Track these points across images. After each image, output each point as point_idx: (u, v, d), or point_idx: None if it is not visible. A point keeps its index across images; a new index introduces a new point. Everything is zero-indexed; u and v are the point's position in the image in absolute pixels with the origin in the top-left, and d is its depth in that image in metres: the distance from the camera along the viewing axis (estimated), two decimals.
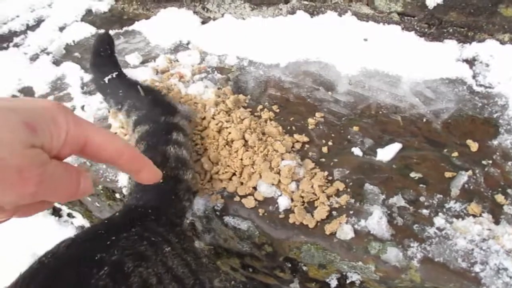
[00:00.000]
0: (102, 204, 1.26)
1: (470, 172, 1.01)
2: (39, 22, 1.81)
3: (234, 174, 1.07)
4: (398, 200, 0.97)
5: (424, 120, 1.16)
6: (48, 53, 1.62)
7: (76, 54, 1.61)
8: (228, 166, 1.08)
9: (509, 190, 0.96)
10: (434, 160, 1.06)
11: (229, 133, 1.13)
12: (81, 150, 0.45)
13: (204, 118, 1.20)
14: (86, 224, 1.52)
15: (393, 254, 0.88)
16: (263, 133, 1.15)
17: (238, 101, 1.27)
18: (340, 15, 1.44)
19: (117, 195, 1.18)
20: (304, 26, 1.45)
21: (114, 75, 1.11)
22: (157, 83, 1.30)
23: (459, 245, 0.87)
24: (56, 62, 1.58)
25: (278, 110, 1.25)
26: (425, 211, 0.95)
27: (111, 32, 1.67)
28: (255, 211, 1.01)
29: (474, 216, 0.92)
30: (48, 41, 1.67)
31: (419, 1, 1.32)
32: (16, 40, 1.73)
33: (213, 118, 1.18)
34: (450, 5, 1.28)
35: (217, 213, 1.04)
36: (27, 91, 1.49)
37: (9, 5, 1.87)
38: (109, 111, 1.32)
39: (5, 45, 1.72)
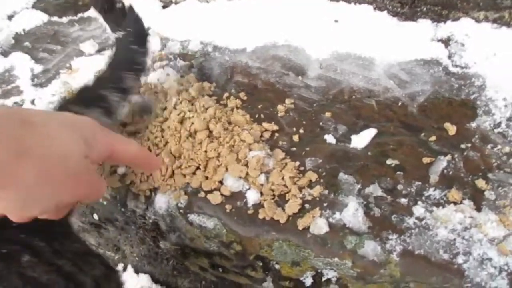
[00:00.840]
0: None
1: (449, 157, 0.95)
2: None
3: (198, 168, 0.98)
4: (374, 190, 0.91)
5: (400, 103, 1.10)
6: None
7: (26, 43, 1.48)
8: (192, 159, 0.99)
9: (489, 175, 0.91)
10: (411, 146, 0.99)
11: (192, 123, 1.04)
12: (108, 157, 0.56)
13: (165, 109, 1.11)
14: None
15: (370, 248, 0.82)
16: (229, 122, 1.07)
17: (203, 89, 1.18)
18: None
19: None
20: (272, 7, 1.37)
21: None
22: None
23: (440, 236, 0.81)
24: (4, 53, 1.45)
25: (245, 98, 1.17)
26: (403, 200, 0.89)
27: (65, 19, 1.55)
28: (221, 207, 0.93)
29: (455, 203, 0.86)
30: None
31: None
32: None
33: (175, 108, 1.09)
34: None
35: (181, 211, 0.95)
36: None
37: None
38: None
39: None
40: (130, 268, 1.29)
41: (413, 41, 1.23)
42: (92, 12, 1.55)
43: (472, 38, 1.21)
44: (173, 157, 1.00)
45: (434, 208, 0.86)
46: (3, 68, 1.39)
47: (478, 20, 1.23)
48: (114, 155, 0.56)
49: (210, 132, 1.02)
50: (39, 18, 1.56)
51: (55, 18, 1.56)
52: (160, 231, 1.06)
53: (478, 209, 0.85)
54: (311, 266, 0.88)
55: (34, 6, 1.63)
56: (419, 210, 0.86)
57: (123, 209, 1.03)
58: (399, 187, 0.91)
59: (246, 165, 0.96)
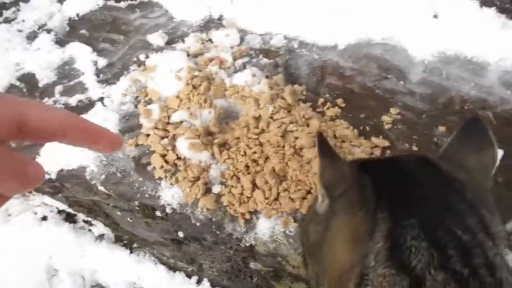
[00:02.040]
0: (136, 220, 1.06)
1: None
2: None
3: (309, 192, 0.87)
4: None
5: None
6: (48, 31, 1.35)
7: (83, 31, 1.35)
8: (300, 181, 0.88)
9: None
10: None
11: (297, 138, 0.93)
12: (19, 132, 0.37)
13: (259, 117, 0.99)
14: (108, 233, 1.32)
15: None
16: (335, 136, 0.96)
17: (295, 92, 1.06)
18: None
19: (158, 213, 0.97)
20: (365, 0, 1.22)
21: None
22: (196, 72, 1.07)
23: None
24: (60, 42, 1.32)
25: (343, 105, 1.05)
26: None
27: (123, 3, 1.40)
28: None
29: None
30: (47, 15, 1.39)
31: None
32: (6, 14, 1.44)
33: (272, 118, 0.97)
34: None
35: (291, 240, 0.86)
36: (29, 79, 1.24)
37: None
38: (136, 106, 1.09)
39: None
40: (206, 282, 1.22)
41: None
42: None
43: None
44: (277, 177, 0.90)
45: None
46: (61, 60, 1.26)
47: None
48: (27, 128, 0.38)
49: None
50: (93, 1, 1.41)
51: (111, 2, 1.42)
52: (254, 253, 0.97)
53: None
54: None
55: None
56: None
57: (217, 231, 0.93)
58: None
59: None
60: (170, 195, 0.94)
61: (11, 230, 1.37)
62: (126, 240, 1.30)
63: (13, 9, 1.46)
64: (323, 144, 0.56)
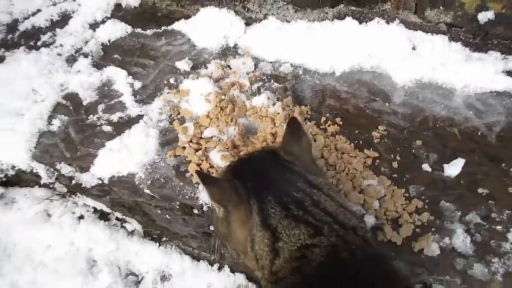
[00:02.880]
0: (174, 217, 1.29)
1: None
2: (64, 17, 1.71)
3: None
4: (473, 217, 1.08)
5: (479, 133, 1.26)
6: (85, 55, 1.56)
7: (116, 56, 1.56)
8: None
9: None
10: (496, 176, 1.16)
11: None
12: None
13: (275, 133, 1.24)
14: (139, 229, 1.54)
15: (479, 270, 0.99)
16: (336, 149, 1.21)
17: (302, 113, 1.31)
18: (388, 22, 1.48)
19: (195, 211, 1.21)
20: (353, 32, 1.48)
21: None
22: (222, 96, 1.31)
23: None
24: (97, 65, 1.53)
25: (341, 123, 1.31)
26: (498, 227, 1.06)
27: (149, 31, 1.62)
28: None
29: None
30: (82, 40, 1.60)
31: (469, 15, 1.38)
32: (44, 38, 1.65)
33: None
34: (499, 21, 1.35)
35: None
36: (73, 98, 1.45)
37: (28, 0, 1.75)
38: (171, 123, 1.32)
39: (31, 43, 1.64)
40: (226, 268, 1.45)
41: (485, 72, 1.37)
42: (175, 25, 1.63)
43: None
44: None
45: None
46: (100, 81, 1.48)
47: None
48: None
49: (326, 159, 1.16)
50: (122, 29, 1.63)
51: (138, 30, 1.64)
52: None
53: None
54: (422, 280, 1.06)
55: (113, 15, 1.70)
56: (509, 237, 1.04)
57: None
58: (493, 215, 1.08)
59: (361, 192, 1.11)
60: (206, 196, 1.18)
61: (52, 228, 1.57)
62: (155, 235, 1.52)
63: (50, 34, 1.66)
64: (203, 176, 0.85)
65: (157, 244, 1.52)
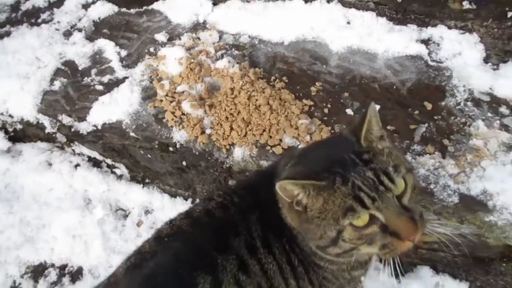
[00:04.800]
0: (154, 155, 1.62)
1: (426, 125, 1.47)
2: None
3: (264, 130, 1.47)
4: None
5: (394, 87, 1.61)
6: (79, 30, 1.87)
7: (105, 30, 1.88)
8: (259, 124, 1.47)
9: (451, 136, 1.44)
10: (402, 117, 1.51)
11: (257, 100, 1.51)
12: None
13: (233, 88, 1.57)
14: (126, 174, 1.86)
15: None
16: (281, 99, 1.55)
17: (256, 73, 1.64)
18: (328, 2, 1.82)
19: (170, 148, 1.54)
20: (300, 10, 1.82)
21: None
22: (192, 60, 1.64)
23: (421, 173, 1.35)
24: (89, 38, 1.84)
25: (287, 81, 1.64)
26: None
27: (132, 10, 1.94)
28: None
29: (430, 154, 1.39)
30: (76, 18, 1.91)
31: None
32: (43, 16, 1.95)
33: (242, 88, 1.56)
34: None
35: (253, 158, 1.45)
36: (70, 65, 1.77)
37: None
38: (151, 82, 1.64)
39: (33, 20, 1.94)
40: (198, 201, 1.78)
41: (404, 41, 1.71)
42: (155, 5, 1.94)
43: (445, 40, 1.71)
44: (246, 123, 1.48)
45: (417, 157, 1.39)
46: (93, 51, 1.79)
47: (450, 27, 1.73)
48: None
49: (270, 106, 1.50)
50: (110, 8, 1.95)
51: (123, 9, 1.95)
52: (231, 172, 1.55)
53: (444, 157, 1.38)
54: None
55: None
56: (407, 157, 1.39)
57: (209, 158, 1.51)
58: (396, 143, 1.43)
59: (297, 129, 1.45)
60: (179, 136, 1.51)
61: (53, 175, 1.88)
62: (140, 177, 1.85)
63: (48, 12, 1.97)
64: None
65: (141, 185, 1.85)
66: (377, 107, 1.53)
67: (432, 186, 1.33)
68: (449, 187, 1.32)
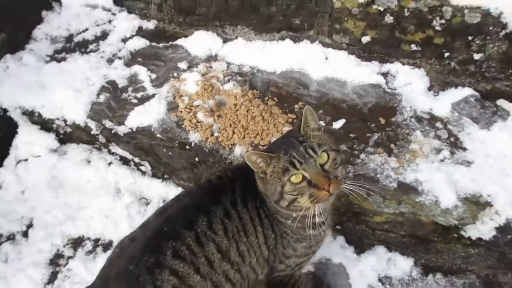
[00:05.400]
0: (174, 152, 2.11)
1: (379, 134, 1.98)
2: (104, 34, 2.59)
3: (257, 134, 1.97)
4: (343, 147, 1.92)
5: (358, 107, 2.12)
6: (119, 58, 2.42)
7: (139, 59, 2.43)
8: (254, 130, 1.98)
9: (397, 142, 1.94)
10: (362, 129, 2.02)
11: (253, 112, 2.03)
12: None
13: (236, 104, 2.09)
14: (149, 171, 2.34)
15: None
16: (271, 113, 2.07)
17: (254, 94, 2.17)
18: (312, 42, 2.36)
19: (187, 147, 2.04)
20: (289, 48, 2.37)
21: None
22: (206, 83, 2.17)
23: (371, 166, 1.84)
24: (127, 64, 2.39)
25: (277, 100, 2.16)
26: (356, 152, 1.91)
27: (160, 45, 2.50)
28: None
29: (379, 154, 1.89)
30: (117, 49, 2.47)
31: (358, 38, 2.27)
32: (91, 47, 2.52)
33: (242, 104, 2.07)
34: (374, 42, 2.24)
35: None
36: (112, 83, 2.30)
37: (79, 21, 2.63)
38: (174, 98, 2.17)
39: (83, 49, 2.50)
40: None
41: (368, 73, 2.24)
42: (178, 41, 2.50)
43: (399, 73, 2.24)
44: (244, 129, 1.99)
45: (370, 156, 1.88)
46: (129, 74, 2.33)
47: (403, 64, 2.27)
48: None
49: (263, 118, 2.01)
50: (144, 42, 2.50)
51: (154, 43, 2.51)
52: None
53: (389, 156, 1.88)
54: None
55: (137, 34, 2.58)
56: (362, 156, 1.88)
57: (215, 154, 2.01)
58: (355, 146, 1.93)
59: (282, 134, 1.95)
60: (194, 137, 2.01)
61: (91, 170, 2.37)
62: (160, 173, 2.33)
63: (95, 44, 2.53)
64: None
65: (161, 180, 2.34)
66: (344, 121, 2.05)
67: (378, 176, 1.82)
68: (390, 177, 1.81)
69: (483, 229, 1.74)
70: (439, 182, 1.77)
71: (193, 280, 1.30)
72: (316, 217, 1.38)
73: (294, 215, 1.37)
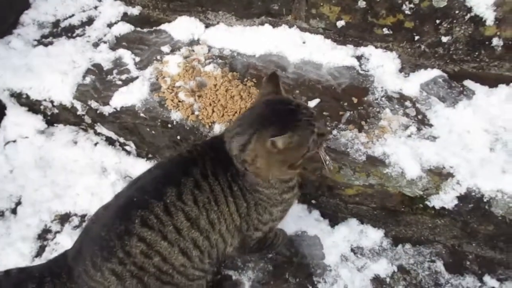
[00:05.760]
0: (157, 131, 2.21)
1: (351, 112, 2.09)
2: (90, 20, 2.67)
3: (236, 112, 2.07)
4: (320, 124, 2.03)
5: (333, 87, 2.23)
6: (105, 42, 2.50)
7: (124, 43, 2.51)
8: (232, 109, 2.08)
9: (368, 120, 2.05)
10: (336, 107, 2.13)
11: (232, 92, 2.13)
12: None
13: (216, 84, 2.19)
14: (133, 151, 2.43)
15: None
16: (249, 93, 2.17)
17: (233, 76, 2.27)
18: (290, 27, 2.47)
19: (169, 125, 2.14)
20: (269, 33, 2.47)
21: None
22: (187, 65, 2.27)
23: (342, 141, 1.95)
24: (112, 48, 2.48)
25: (255, 81, 2.26)
26: (329, 128, 2.02)
27: (145, 30, 2.59)
28: None
29: (350, 130, 2.00)
30: (102, 33, 2.55)
31: (333, 22, 2.38)
32: (77, 31, 2.60)
33: (222, 84, 2.17)
34: (348, 26, 2.35)
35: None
36: (98, 66, 2.38)
37: (66, 7, 2.71)
38: (157, 79, 2.26)
39: (69, 34, 2.58)
40: None
41: (343, 56, 2.35)
42: (162, 26, 2.59)
43: (373, 56, 2.35)
44: (223, 107, 2.09)
45: (342, 132, 2.00)
46: (114, 57, 2.42)
47: (376, 47, 2.38)
48: None
49: (241, 97, 2.11)
50: (128, 28, 2.59)
51: (138, 28, 2.60)
52: None
53: (359, 132, 1.99)
54: None
55: (122, 19, 2.66)
56: (334, 132, 1.99)
57: (196, 132, 2.10)
58: (328, 123, 2.04)
59: None
60: (175, 116, 2.11)
61: (78, 150, 2.46)
62: (144, 153, 2.43)
63: (81, 29, 2.61)
64: None
65: (145, 159, 2.43)
66: (318, 100, 2.16)
67: (349, 150, 1.93)
68: (360, 150, 1.92)
69: (445, 198, 1.86)
70: (405, 155, 1.88)
71: (160, 246, 1.38)
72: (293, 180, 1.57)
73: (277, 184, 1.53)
